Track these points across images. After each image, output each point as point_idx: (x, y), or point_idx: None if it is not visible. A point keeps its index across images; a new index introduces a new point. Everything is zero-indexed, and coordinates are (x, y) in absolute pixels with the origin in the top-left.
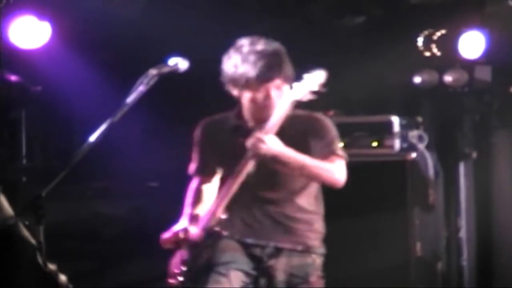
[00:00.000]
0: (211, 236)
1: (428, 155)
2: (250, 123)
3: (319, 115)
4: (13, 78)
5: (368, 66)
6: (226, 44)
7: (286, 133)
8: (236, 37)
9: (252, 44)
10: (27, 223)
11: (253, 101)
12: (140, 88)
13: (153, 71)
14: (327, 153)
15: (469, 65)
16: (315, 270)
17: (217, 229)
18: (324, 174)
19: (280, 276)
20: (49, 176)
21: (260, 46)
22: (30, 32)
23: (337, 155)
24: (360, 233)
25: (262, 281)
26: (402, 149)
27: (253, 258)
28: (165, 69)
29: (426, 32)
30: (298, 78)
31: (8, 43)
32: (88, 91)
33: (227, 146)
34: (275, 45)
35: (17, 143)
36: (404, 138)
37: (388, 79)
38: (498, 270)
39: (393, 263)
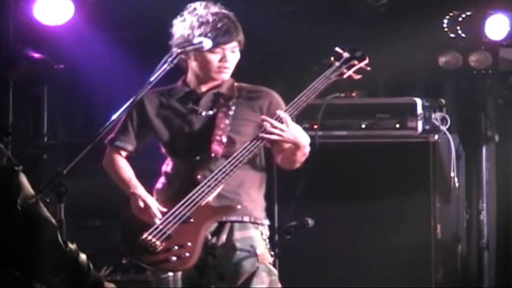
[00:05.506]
0: None
1: (450, 137)
2: (200, 90)
3: (268, 90)
4: (36, 55)
5: (392, 47)
6: (251, 24)
7: (238, 107)
8: (261, 18)
9: (206, 7)
10: (48, 200)
11: (208, 63)
12: (164, 67)
13: (177, 50)
14: None
15: (493, 47)
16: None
17: None
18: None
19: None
20: (71, 153)
21: (215, 8)
22: (54, 9)
23: None
24: (381, 214)
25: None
26: (424, 131)
27: None
28: (189, 48)
29: (451, 14)
30: (321, 57)
31: (32, 19)
32: (110, 68)
33: (177, 116)
34: (227, 10)
35: (39, 120)
36: (427, 120)
37: (412, 60)
38: None
39: (414, 244)
